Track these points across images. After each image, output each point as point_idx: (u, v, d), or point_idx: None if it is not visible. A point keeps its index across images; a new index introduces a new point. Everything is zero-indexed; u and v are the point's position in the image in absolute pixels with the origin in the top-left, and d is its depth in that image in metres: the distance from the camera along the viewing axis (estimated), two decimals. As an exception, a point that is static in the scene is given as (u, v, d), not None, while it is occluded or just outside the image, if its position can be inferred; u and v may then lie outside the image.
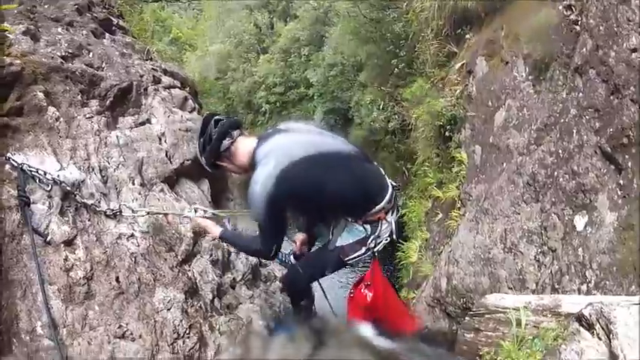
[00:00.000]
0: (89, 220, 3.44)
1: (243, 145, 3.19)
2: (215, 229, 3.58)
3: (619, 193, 3.66)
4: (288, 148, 3.06)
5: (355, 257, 3.43)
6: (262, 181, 2.92)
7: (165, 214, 3.92)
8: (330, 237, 3.49)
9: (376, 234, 3.39)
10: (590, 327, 2.15)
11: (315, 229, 3.83)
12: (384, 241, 3.48)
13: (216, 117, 3.24)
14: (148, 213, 3.77)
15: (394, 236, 3.52)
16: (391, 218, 3.46)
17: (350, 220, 3.46)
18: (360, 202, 3.32)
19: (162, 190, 4.25)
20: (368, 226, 3.37)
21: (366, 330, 4.10)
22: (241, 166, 3.23)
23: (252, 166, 3.09)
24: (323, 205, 3.26)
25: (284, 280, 4.24)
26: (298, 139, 3.16)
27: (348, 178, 3.19)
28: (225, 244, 4.36)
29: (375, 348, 3.78)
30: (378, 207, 3.34)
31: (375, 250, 3.45)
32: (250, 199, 2.98)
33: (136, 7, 8.19)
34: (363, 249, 3.39)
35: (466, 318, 3.30)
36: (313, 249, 3.94)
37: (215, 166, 3.30)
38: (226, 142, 3.16)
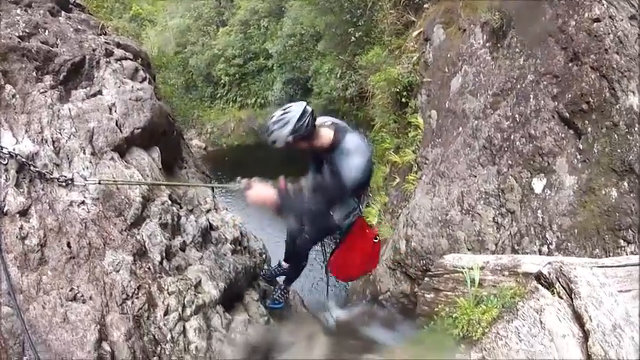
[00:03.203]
0: (42, 190, 3.38)
1: (324, 132, 3.75)
2: (269, 193, 3.71)
3: (578, 157, 3.59)
4: (364, 147, 3.77)
5: (348, 221, 4.20)
6: (355, 170, 3.58)
7: (115, 183, 3.90)
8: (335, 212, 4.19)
9: (361, 203, 4.27)
10: (550, 285, 2.07)
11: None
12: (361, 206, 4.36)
13: (310, 108, 3.72)
14: (100, 182, 3.68)
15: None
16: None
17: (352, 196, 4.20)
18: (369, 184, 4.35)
19: (112, 159, 4.14)
20: (356, 200, 4.17)
21: (329, 303, 4.68)
22: (318, 146, 3.73)
23: (332, 148, 3.68)
24: (362, 186, 4.08)
25: (297, 247, 4.70)
26: (362, 140, 3.87)
27: (372, 169, 4.12)
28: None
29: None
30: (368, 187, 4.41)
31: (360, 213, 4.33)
32: (342, 176, 3.56)
33: (94, -16, 7.86)
34: (351, 216, 4.20)
35: (425, 279, 3.21)
36: None
37: (297, 140, 3.63)
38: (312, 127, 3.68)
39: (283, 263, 5.17)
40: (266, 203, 3.68)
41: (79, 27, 4.93)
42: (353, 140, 3.71)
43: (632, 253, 2.98)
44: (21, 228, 3.05)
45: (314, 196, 3.78)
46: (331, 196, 3.80)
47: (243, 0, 25.82)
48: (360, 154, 3.67)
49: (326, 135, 3.72)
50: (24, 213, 3.14)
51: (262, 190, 3.67)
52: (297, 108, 3.60)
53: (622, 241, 3.10)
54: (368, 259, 4.63)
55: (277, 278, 5.54)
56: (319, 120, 3.85)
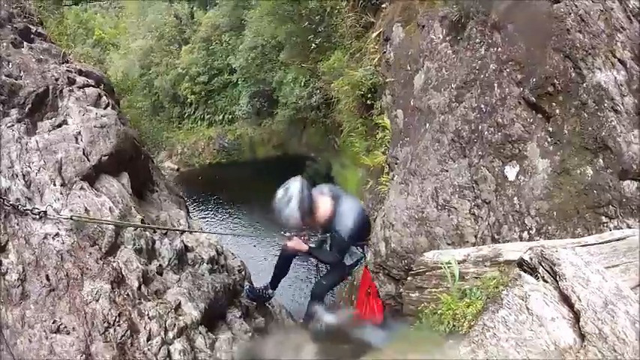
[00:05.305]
0: (17, 225, 3.45)
1: (323, 201, 4.69)
2: (304, 246, 4.97)
3: (549, 140, 3.56)
4: (357, 205, 4.90)
5: (355, 268, 5.27)
6: (352, 226, 4.59)
7: (95, 221, 3.95)
8: (344, 259, 5.10)
9: (365, 252, 5.22)
10: (533, 271, 2.01)
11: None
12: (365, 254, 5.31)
13: (305, 181, 4.55)
14: (72, 218, 3.71)
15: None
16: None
17: (356, 245, 5.20)
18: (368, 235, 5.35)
19: (82, 188, 4.16)
20: (361, 249, 5.19)
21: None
22: (323, 216, 4.67)
23: (332, 217, 4.63)
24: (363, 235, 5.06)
25: (314, 293, 5.35)
26: (354, 200, 5.02)
27: (370, 224, 5.42)
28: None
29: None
30: (369, 237, 5.37)
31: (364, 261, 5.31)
32: (344, 234, 4.60)
33: (55, 12, 7.80)
34: (359, 263, 5.23)
35: (408, 278, 3.15)
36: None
37: (305, 215, 4.50)
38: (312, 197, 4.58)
39: (271, 291, 5.81)
40: (302, 249, 4.91)
41: (42, 57, 5.01)
42: (347, 202, 4.74)
43: (615, 228, 2.96)
44: (0, 264, 3.13)
45: (332, 250, 4.87)
46: (342, 247, 4.78)
47: (204, 17, 25.70)
48: (354, 211, 4.69)
49: (325, 205, 4.65)
50: (2, 249, 3.24)
51: (299, 243, 4.89)
52: (295, 183, 4.42)
53: (603, 218, 3.07)
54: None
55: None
56: (314, 191, 4.73)
